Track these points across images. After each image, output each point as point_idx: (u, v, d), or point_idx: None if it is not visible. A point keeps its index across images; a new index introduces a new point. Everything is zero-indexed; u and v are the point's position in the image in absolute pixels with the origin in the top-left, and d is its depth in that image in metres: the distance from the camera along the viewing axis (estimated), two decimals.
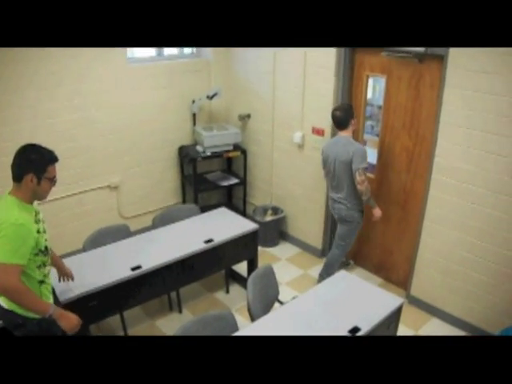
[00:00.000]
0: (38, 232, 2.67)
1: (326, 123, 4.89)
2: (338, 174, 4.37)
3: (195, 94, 5.75)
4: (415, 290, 4.59)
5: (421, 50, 3.95)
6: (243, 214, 6.00)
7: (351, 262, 5.34)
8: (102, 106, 5.04)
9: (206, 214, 4.67)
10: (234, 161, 6.31)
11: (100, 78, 4.94)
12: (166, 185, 5.93)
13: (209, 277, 4.57)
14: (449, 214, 4.10)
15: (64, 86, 4.71)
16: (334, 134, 4.84)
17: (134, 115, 5.35)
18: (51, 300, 2.90)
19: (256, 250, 4.59)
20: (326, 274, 4.61)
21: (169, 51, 5.76)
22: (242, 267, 4.79)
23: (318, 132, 5.00)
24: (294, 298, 3.56)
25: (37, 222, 2.71)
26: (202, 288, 4.90)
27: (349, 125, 4.36)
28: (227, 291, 4.87)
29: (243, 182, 6.04)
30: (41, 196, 2.74)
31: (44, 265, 2.78)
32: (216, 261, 4.27)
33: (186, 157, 5.71)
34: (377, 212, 4.41)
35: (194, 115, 5.86)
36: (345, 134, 4.37)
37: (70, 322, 2.72)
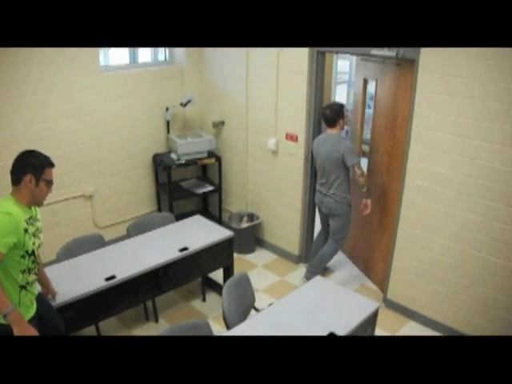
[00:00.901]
0: (26, 232, 2.70)
1: (300, 129, 4.91)
2: (328, 170, 4.54)
3: (169, 101, 5.72)
4: (392, 293, 4.61)
5: (392, 54, 3.99)
6: (219, 221, 5.97)
7: (329, 268, 5.35)
8: (75, 114, 4.96)
9: (180, 223, 4.64)
10: (208, 168, 6.28)
11: (73, 87, 4.87)
12: (140, 193, 5.87)
13: (185, 285, 4.54)
14: (423, 217, 4.13)
15: (37, 95, 4.63)
16: (308, 139, 4.90)
17: (107, 123, 5.28)
18: (32, 310, 2.89)
19: (232, 257, 4.57)
20: (317, 266, 4.80)
21: (142, 59, 5.73)
22: (218, 275, 4.75)
23: (292, 138, 5.01)
24: (270, 304, 3.54)
25: (28, 223, 2.75)
26: (178, 297, 4.85)
27: (337, 124, 4.54)
28: (204, 299, 4.82)
29: (218, 189, 6.01)
30: (38, 199, 2.85)
31: (29, 271, 2.80)
32: (192, 269, 4.23)
33: (161, 165, 5.66)
34: (369, 203, 4.56)
35: (168, 123, 5.83)
36: (333, 132, 4.56)
37: (23, 332, 2.62)
